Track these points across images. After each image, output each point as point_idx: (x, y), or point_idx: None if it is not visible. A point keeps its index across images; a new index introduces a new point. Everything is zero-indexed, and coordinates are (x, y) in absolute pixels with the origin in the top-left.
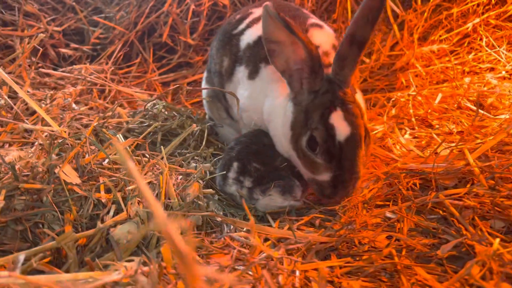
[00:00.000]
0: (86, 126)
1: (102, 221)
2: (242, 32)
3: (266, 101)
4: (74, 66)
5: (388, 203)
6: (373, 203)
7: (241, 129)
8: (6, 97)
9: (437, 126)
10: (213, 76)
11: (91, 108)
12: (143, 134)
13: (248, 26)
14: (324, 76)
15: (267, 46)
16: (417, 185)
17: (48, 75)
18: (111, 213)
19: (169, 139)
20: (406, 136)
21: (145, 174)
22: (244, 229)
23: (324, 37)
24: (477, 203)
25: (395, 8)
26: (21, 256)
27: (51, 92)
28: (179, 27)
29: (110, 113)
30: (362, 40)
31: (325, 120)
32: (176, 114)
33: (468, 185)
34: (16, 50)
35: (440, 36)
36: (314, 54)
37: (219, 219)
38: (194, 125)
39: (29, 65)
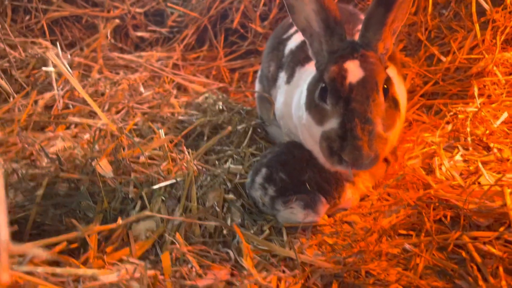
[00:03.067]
0: (145, 113)
1: (128, 215)
2: (289, 37)
3: (293, 101)
4: (142, 53)
5: (412, 233)
6: (396, 230)
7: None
8: (76, 82)
9: (495, 149)
10: (263, 78)
11: (158, 93)
12: (186, 130)
13: (297, 30)
14: (347, 39)
15: (285, 1)
16: (448, 217)
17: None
18: (137, 208)
19: (218, 132)
20: (457, 157)
21: (176, 173)
22: (255, 243)
23: None
24: (504, 252)
25: (483, 2)
26: (36, 249)
27: (117, 77)
28: (250, 14)
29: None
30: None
31: (339, 64)
32: (224, 109)
33: (502, 229)
34: (99, 31)
35: None
36: (325, 5)
37: (225, 231)
38: (229, 128)
39: (108, 49)
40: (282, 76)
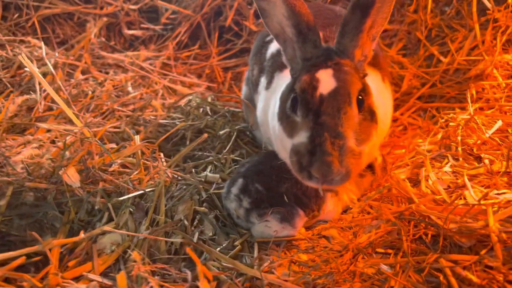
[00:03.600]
0: (127, 116)
1: (95, 227)
2: (272, 40)
3: (270, 109)
4: (128, 52)
5: (390, 251)
6: (374, 248)
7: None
8: (60, 82)
9: (486, 161)
10: (249, 80)
11: (147, 93)
12: (165, 135)
13: None
14: (322, 45)
15: (257, 3)
16: (429, 236)
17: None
18: (104, 219)
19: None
20: (446, 168)
21: (147, 182)
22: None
23: None
24: (483, 279)
25: (485, 0)
26: None
27: (103, 77)
28: (244, 11)
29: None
30: (366, 3)
31: (311, 73)
32: (209, 112)
33: (483, 251)
34: (88, 28)
35: None
36: (296, 10)
37: (187, 250)
38: (206, 134)
39: (100, 47)
40: (263, 81)
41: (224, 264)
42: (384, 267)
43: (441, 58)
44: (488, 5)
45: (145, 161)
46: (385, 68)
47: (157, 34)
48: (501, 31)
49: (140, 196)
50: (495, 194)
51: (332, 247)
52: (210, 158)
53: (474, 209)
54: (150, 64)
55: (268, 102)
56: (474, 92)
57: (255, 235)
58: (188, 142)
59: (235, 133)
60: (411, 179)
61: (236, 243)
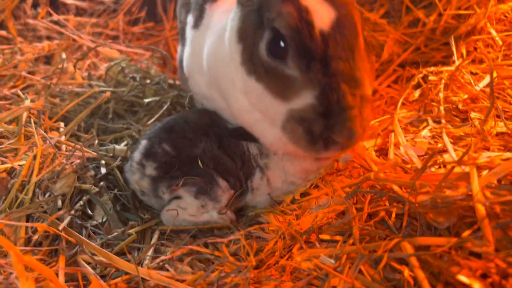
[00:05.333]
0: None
1: None
2: None
3: (206, 46)
4: (53, 17)
5: (339, 238)
6: (320, 234)
7: None
8: None
9: (475, 121)
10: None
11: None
12: (68, 107)
13: None
14: None
15: None
16: (392, 215)
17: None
18: None
19: (134, 108)
20: (425, 132)
21: (26, 153)
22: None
23: None
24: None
25: None
26: None
27: (19, 45)
28: None
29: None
30: None
31: (292, 1)
32: (137, 79)
33: (466, 233)
34: None
35: None
36: None
37: None
38: (108, 93)
39: (34, 16)
40: (190, 20)
41: (98, 258)
42: (325, 260)
43: (427, 20)
44: None
45: (29, 130)
46: None
47: (110, 8)
48: None
49: (10, 173)
50: (485, 156)
51: (263, 235)
52: (127, 131)
53: (454, 175)
54: (91, 35)
55: (200, 42)
56: (464, 52)
57: (164, 221)
58: (110, 114)
59: (168, 102)
60: (381, 150)
61: (131, 230)
